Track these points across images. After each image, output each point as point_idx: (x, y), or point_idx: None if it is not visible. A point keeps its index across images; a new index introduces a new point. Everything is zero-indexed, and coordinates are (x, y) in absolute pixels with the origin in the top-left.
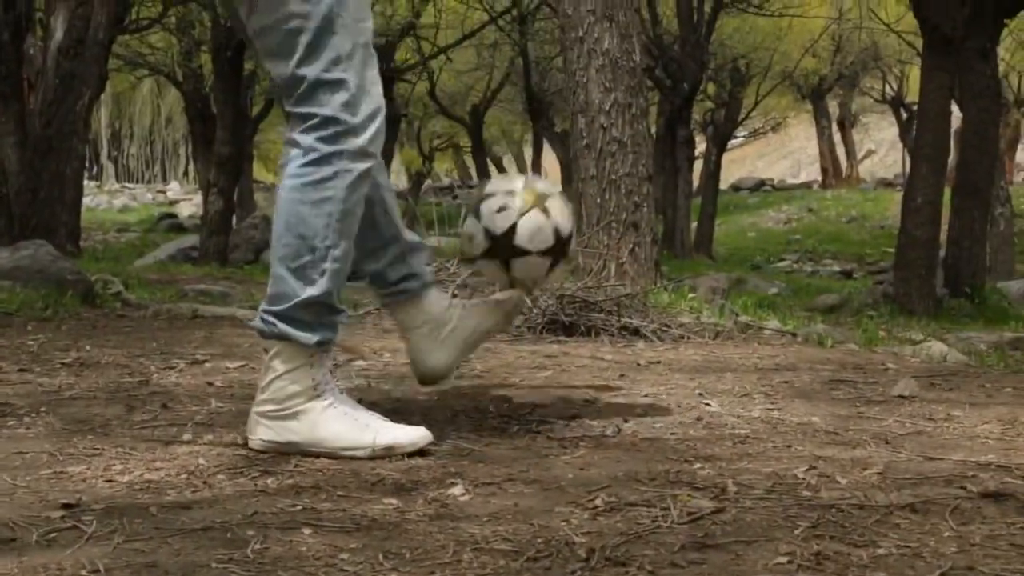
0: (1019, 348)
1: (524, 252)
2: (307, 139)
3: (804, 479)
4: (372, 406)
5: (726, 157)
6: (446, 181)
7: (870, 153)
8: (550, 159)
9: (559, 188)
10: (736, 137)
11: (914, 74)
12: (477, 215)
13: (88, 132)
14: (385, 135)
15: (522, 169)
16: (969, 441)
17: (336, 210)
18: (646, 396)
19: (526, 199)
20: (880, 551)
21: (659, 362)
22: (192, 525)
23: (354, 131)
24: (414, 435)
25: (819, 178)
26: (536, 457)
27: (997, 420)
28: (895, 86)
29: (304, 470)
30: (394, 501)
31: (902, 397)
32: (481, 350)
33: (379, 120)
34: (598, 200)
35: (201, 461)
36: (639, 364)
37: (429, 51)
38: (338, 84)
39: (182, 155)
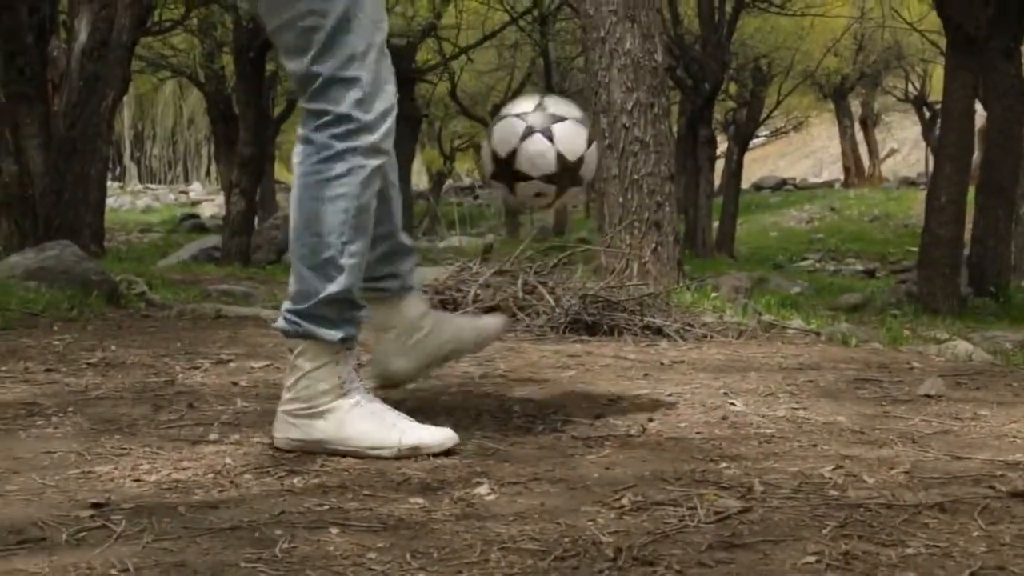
0: None
1: (526, 177)
2: (320, 136)
3: (831, 478)
4: (396, 405)
5: (748, 156)
6: (467, 181)
7: (893, 152)
8: None
9: (576, 111)
10: (758, 136)
11: (937, 73)
12: (489, 136)
13: (111, 133)
14: (407, 136)
15: None
16: (997, 440)
17: (351, 206)
18: (670, 395)
19: (532, 123)
20: (909, 551)
21: (683, 361)
22: (220, 524)
23: (367, 128)
24: (440, 436)
25: (841, 177)
26: (561, 456)
27: None
28: (918, 85)
29: (330, 469)
30: (420, 500)
31: (928, 396)
32: (504, 349)
33: (391, 118)
34: (620, 200)
35: (228, 461)
36: (663, 363)
37: (450, 52)
38: (352, 82)
39: (204, 156)
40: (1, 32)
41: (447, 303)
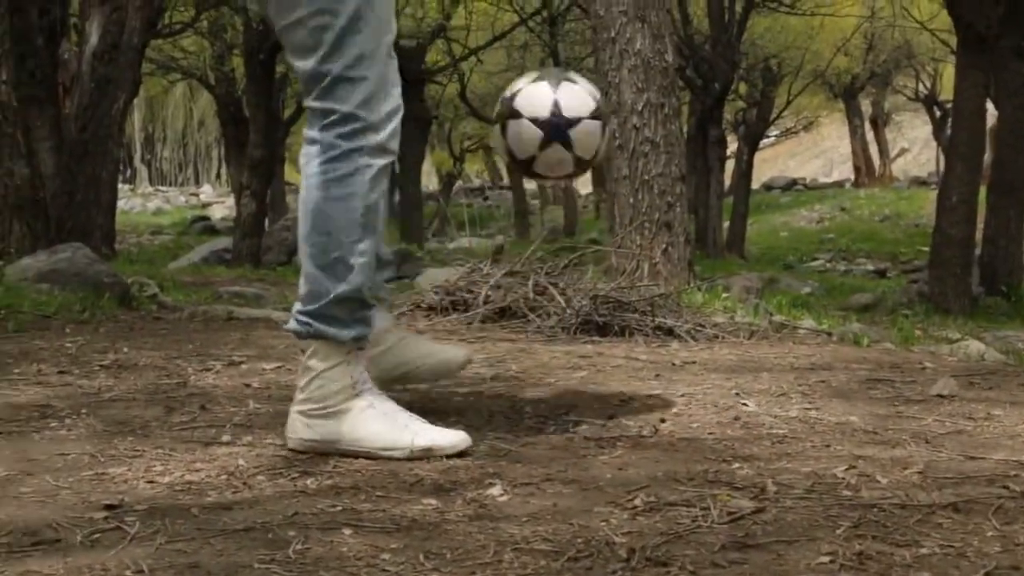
0: None
1: (518, 115)
2: (327, 136)
3: (844, 479)
4: (408, 407)
5: (758, 156)
6: (477, 182)
7: (903, 151)
8: None
9: (590, 101)
10: (768, 136)
11: (948, 72)
12: (502, 130)
13: (122, 136)
14: (417, 137)
15: None
16: (1010, 440)
17: (360, 205)
18: (682, 396)
19: (549, 131)
20: (923, 551)
21: (694, 362)
22: (233, 526)
23: (373, 128)
24: (452, 438)
25: (851, 177)
26: (574, 457)
27: None
28: (928, 84)
29: (343, 471)
30: (433, 501)
31: (941, 396)
32: (515, 350)
33: (397, 119)
34: (631, 200)
35: (241, 462)
36: (674, 364)
37: (460, 53)
38: (359, 81)
39: (214, 158)
40: (12, 35)
41: (458, 304)
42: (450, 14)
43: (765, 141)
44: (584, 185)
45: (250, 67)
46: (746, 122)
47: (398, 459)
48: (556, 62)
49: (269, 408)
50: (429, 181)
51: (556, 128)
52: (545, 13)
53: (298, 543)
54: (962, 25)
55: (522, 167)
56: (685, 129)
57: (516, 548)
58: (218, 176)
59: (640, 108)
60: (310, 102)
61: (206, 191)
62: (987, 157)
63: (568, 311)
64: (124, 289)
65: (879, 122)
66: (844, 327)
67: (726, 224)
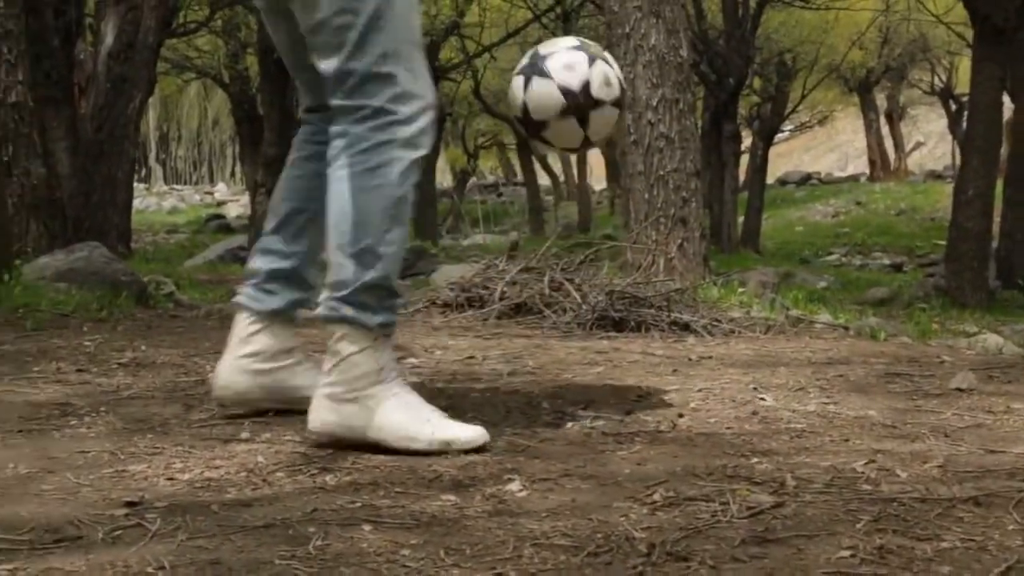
0: None
1: (548, 77)
2: (358, 129)
3: (864, 473)
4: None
5: (772, 151)
6: (491, 179)
7: (919, 145)
8: (595, 155)
9: (616, 87)
10: (782, 131)
11: (963, 65)
12: (526, 82)
13: (138, 135)
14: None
15: (567, 167)
16: None
17: (390, 195)
18: (699, 391)
19: (575, 105)
20: (944, 545)
21: (711, 357)
22: (254, 522)
23: (404, 122)
24: (472, 433)
25: (867, 171)
26: (592, 452)
27: None
28: (944, 78)
29: (362, 467)
30: (452, 497)
31: (960, 390)
32: (531, 346)
33: (428, 115)
34: (646, 196)
35: (260, 459)
36: (691, 359)
37: (473, 50)
38: (388, 78)
39: (229, 156)
40: (28, 35)
41: (474, 301)
42: (464, 11)
43: (780, 136)
44: (598, 181)
45: (264, 65)
46: (760, 117)
47: (417, 450)
48: None
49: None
50: (443, 178)
51: (578, 105)
52: (559, 9)
53: (318, 539)
54: (978, 18)
55: (532, 128)
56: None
57: (536, 544)
58: (232, 174)
59: (655, 104)
60: (339, 101)
61: (221, 189)
62: (1003, 150)
63: (584, 307)
64: (141, 288)
65: (894, 116)
66: (861, 321)
67: (741, 219)
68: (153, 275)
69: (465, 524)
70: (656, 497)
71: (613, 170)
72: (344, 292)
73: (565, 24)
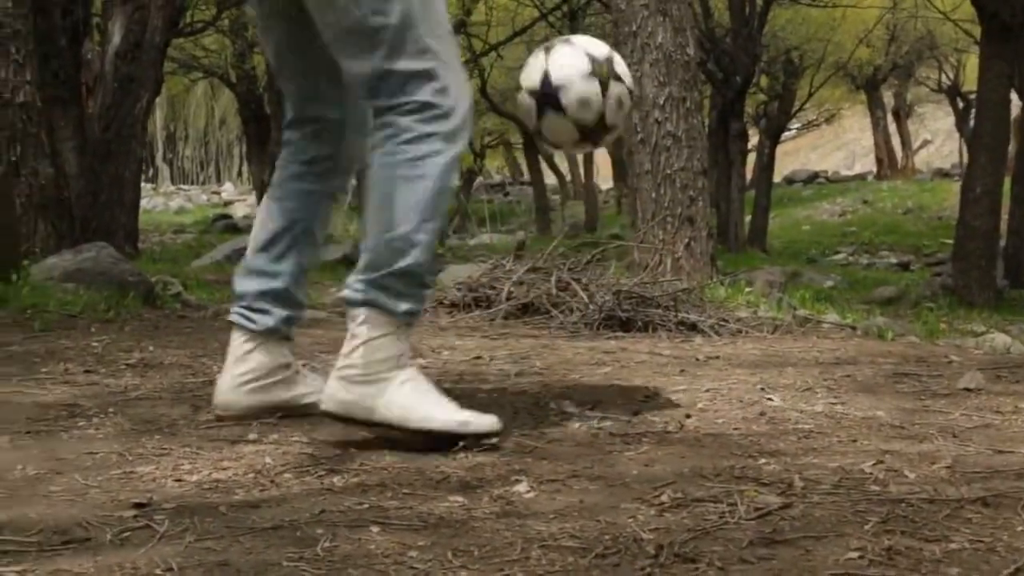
0: None
1: (518, 88)
2: (404, 121)
3: (872, 473)
4: None
5: (779, 150)
6: (497, 178)
7: (926, 143)
8: (602, 154)
9: (624, 112)
10: (789, 129)
11: (971, 62)
12: (577, 75)
13: (145, 135)
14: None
15: (574, 166)
16: None
17: (430, 187)
18: (707, 391)
19: (561, 50)
20: (953, 546)
21: (718, 357)
22: (262, 524)
23: (447, 115)
24: (486, 419)
25: (874, 169)
26: (599, 453)
27: None
28: (951, 75)
29: (369, 468)
30: (460, 499)
31: (968, 390)
32: (539, 347)
33: (468, 109)
34: (653, 195)
35: (268, 460)
36: (698, 359)
37: (480, 48)
38: (427, 73)
39: (236, 156)
40: (35, 35)
41: (481, 301)
42: (470, 9)
43: (787, 134)
44: (605, 180)
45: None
46: (767, 115)
47: (434, 429)
48: None
49: None
50: None
51: (593, 132)
52: (565, 8)
53: (326, 541)
54: (986, 15)
55: (541, 140)
56: (706, 123)
57: (543, 545)
58: (239, 174)
59: (662, 102)
60: (381, 101)
61: (228, 189)
62: (1011, 148)
63: (591, 307)
64: (148, 288)
65: (901, 114)
66: (868, 321)
67: (748, 218)
68: (160, 275)
69: (473, 525)
70: (664, 498)
71: (620, 169)
72: (374, 275)
73: (572, 23)
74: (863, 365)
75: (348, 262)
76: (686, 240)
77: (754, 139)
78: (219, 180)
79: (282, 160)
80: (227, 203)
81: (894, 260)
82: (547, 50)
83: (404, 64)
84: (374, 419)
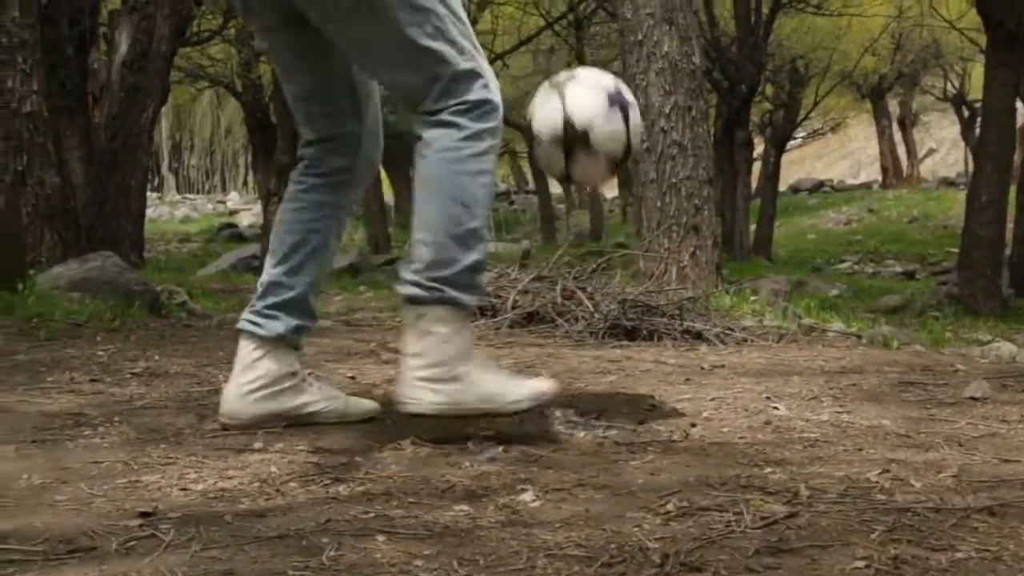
0: None
1: (536, 137)
2: (461, 119)
3: (878, 482)
4: None
5: (785, 158)
6: (503, 187)
7: (931, 152)
8: None
9: (601, 80)
10: (795, 138)
11: (976, 71)
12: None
13: (151, 144)
14: None
15: None
16: None
17: (488, 181)
18: (712, 400)
19: (557, 80)
20: (959, 555)
21: (723, 366)
22: (267, 533)
23: (496, 109)
24: (546, 383)
25: (879, 178)
26: (605, 462)
27: None
28: (957, 84)
29: (375, 477)
30: (465, 507)
31: (974, 399)
32: (544, 355)
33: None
34: (658, 204)
35: (273, 469)
36: (703, 368)
37: (486, 57)
38: (472, 73)
39: (241, 165)
40: (42, 45)
41: (486, 309)
42: (476, 18)
43: (792, 143)
44: (610, 189)
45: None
46: (773, 124)
47: (524, 410)
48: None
49: None
50: None
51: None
52: (571, 17)
53: (332, 550)
54: (992, 23)
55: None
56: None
57: (549, 554)
58: (245, 183)
59: (667, 111)
60: (432, 106)
61: (233, 198)
62: (1017, 156)
63: (596, 315)
64: (154, 297)
65: (907, 123)
66: (874, 330)
67: (753, 227)
68: (166, 284)
69: (478, 534)
70: (670, 507)
71: (625, 178)
72: (447, 272)
73: (578, 31)
74: (869, 374)
75: (354, 271)
76: (691, 249)
77: (759, 148)
78: (224, 189)
79: (296, 173)
80: (232, 212)
81: (899, 269)
82: (559, 94)
83: (450, 68)
84: (469, 413)
